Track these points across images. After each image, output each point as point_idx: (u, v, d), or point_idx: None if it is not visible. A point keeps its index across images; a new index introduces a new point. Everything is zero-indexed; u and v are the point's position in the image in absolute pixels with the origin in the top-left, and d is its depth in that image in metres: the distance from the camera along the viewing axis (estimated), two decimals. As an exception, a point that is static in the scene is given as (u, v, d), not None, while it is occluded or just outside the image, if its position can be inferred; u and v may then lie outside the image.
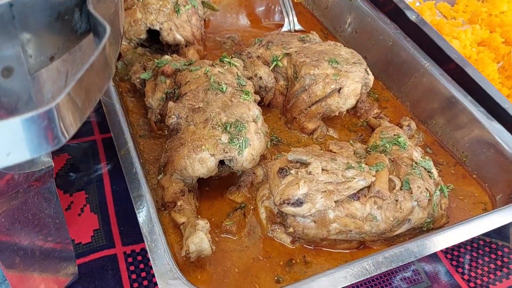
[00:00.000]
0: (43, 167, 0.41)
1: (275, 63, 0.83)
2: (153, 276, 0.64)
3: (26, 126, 0.29)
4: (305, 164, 0.64)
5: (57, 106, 0.29)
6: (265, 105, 0.86)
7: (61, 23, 0.36)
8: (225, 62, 0.80)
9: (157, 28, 0.86)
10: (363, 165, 0.65)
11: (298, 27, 1.11)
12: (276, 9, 1.20)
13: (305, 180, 0.61)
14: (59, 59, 0.37)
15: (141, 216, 0.57)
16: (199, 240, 0.58)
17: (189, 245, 0.58)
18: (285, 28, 1.10)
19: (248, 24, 1.16)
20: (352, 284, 0.65)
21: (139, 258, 0.66)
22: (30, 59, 0.34)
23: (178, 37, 0.87)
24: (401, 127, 0.85)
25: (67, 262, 0.56)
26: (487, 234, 0.77)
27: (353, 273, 0.55)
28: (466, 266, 0.73)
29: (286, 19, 1.10)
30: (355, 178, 0.63)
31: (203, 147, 0.63)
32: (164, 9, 0.85)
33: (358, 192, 0.64)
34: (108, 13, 0.41)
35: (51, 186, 0.44)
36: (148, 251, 0.54)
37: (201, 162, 0.64)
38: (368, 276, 0.56)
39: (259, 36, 1.09)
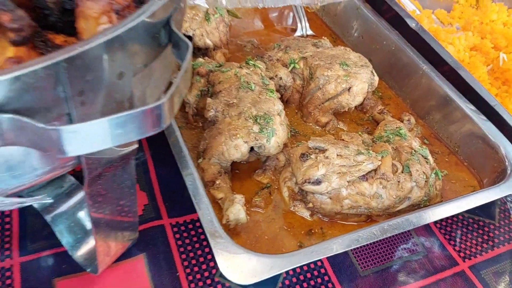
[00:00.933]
0: (131, 148, 0.54)
1: (293, 65, 0.96)
2: (195, 242, 0.77)
3: (143, 115, 0.41)
4: (322, 150, 0.77)
5: (163, 103, 0.42)
6: (283, 102, 0.99)
7: (152, 39, 0.49)
8: (250, 64, 0.93)
9: (191, 34, 0.98)
10: (371, 151, 0.78)
11: (309, 32, 1.23)
12: (289, 15, 1.33)
13: (323, 163, 0.74)
14: (148, 67, 0.50)
15: (192, 190, 0.70)
16: (237, 210, 0.71)
17: (228, 215, 0.71)
18: (298, 33, 1.23)
19: (262, 28, 1.29)
20: (362, 246, 0.78)
21: (182, 228, 0.79)
22: (133, 66, 0.47)
23: (208, 42, 1.00)
24: (402, 121, 0.98)
25: (132, 228, 0.69)
26: (475, 213, 0.90)
27: (364, 236, 0.68)
28: (457, 240, 0.86)
29: (299, 25, 1.23)
30: (364, 162, 0.76)
31: (237, 135, 0.76)
32: (197, 18, 0.98)
33: (366, 174, 0.77)
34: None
35: (132, 163, 0.57)
36: (200, 217, 0.67)
37: (236, 148, 0.77)
38: (375, 240, 0.69)
39: (273, 39, 1.23)
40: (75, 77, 0.41)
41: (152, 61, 0.51)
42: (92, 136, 0.40)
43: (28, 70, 0.37)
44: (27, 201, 0.47)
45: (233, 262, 0.62)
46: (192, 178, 0.71)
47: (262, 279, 0.62)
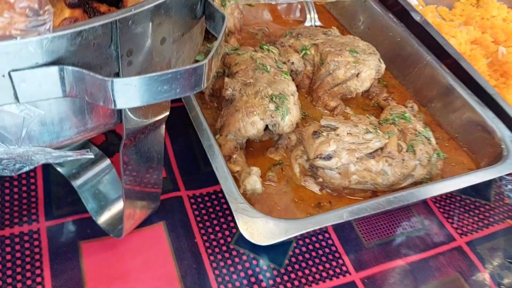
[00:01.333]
0: (164, 114, 0.58)
1: (304, 51, 1.01)
2: (211, 213, 0.82)
3: (187, 74, 0.46)
4: (333, 129, 0.82)
5: (205, 63, 0.47)
6: (294, 86, 1.03)
7: (190, 10, 0.53)
8: (264, 49, 0.98)
9: (207, 19, 1.03)
10: (379, 131, 0.83)
11: (318, 23, 1.28)
12: (297, 7, 1.38)
13: (334, 140, 0.79)
14: (184, 36, 0.55)
15: (214, 160, 0.74)
16: (254, 181, 0.76)
17: (246, 185, 0.76)
18: (307, 23, 1.28)
19: (271, 19, 1.34)
20: (366, 220, 0.83)
21: (199, 200, 0.84)
22: (173, 33, 0.51)
23: (224, 26, 1.04)
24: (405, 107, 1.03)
25: (155, 197, 0.73)
26: (472, 195, 0.95)
27: (372, 206, 0.73)
28: (455, 218, 0.91)
29: (308, 16, 1.28)
30: (372, 140, 0.81)
31: (254, 112, 0.81)
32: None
33: (374, 151, 0.82)
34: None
35: (162, 129, 0.62)
36: (221, 184, 0.72)
37: (252, 125, 0.81)
38: (382, 210, 0.74)
39: (283, 28, 1.27)
40: (127, 38, 0.45)
41: (189, 31, 0.55)
42: (141, 90, 0.45)
43: (89, 26, 0.41)
44: (73, 155, 0.51)
45: (252, 225, 0.67)
46: (213, 150, 0.76)
47: (278, 241, 0.67)
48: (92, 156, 0.56)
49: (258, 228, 0.67)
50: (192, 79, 0.47)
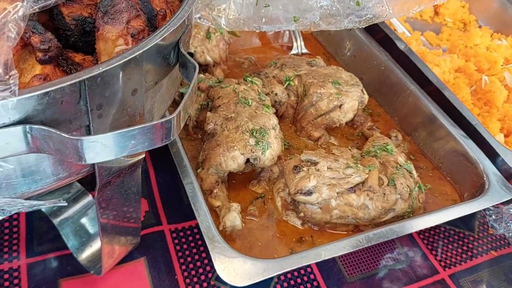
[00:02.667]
0: (139, 157, 0.59)
1: (288, 82, 1.02)
2: (192, 247, 0.82)
3: (155, 128, 0.47)
4: (314, 163, 0.82)
5: (174, 117, 0.47)
6: (278, 116, 1.04)
7: (163, 60, 0.54)
8: (247, 81, 0.99)
9: (192, 51, 1.04)
10: (359, 165, 0.83)
11: (304, 50, 1.30)
12: (285, 33, 1.39)
13: (314, 175, 0.80)
14: (158, 83, 0.55)
15: (192, 197, 0.75)
16: (233, 217, 0.76)
17: (225, 222, 0.76)
18: (293, 51, 1.29)
19: (259, 45, 1.35)
20: (349, 254, 0.83)
21: (181, 234, 0.84)
22: (145, 83, 0.52)
23: (208, 58, 1.05)
24: (389, 138, 1.03)
25: (135, 233, 0.73)
26: (456, 225, 0.95)
27: (351, 244, 0.73)
28: (439, 250, 0.91)
29: (294, 44, 1.29)
30: (352, 175, 0.81)
31: (235, 147, 0.82)
32: (198, 36, 1.04)
33: (354, 186, 0.82)
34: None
35: (139, 171, 0.62)
36: (199, 223, 0.72)
37: (233, 159, 0.82)
38: (361, 247, 0.75)
39: (270, 56, 1.29)
40: (95, 93, 0.46)
41: (162, 79, 0.56)
42: (109, 146, 0.45)
43: (57, 87, 0.42)
44: (45, 204, 0.52)
45: (229, 265, 0.67)
46: (192, 187, 0.76)
47: (256, 281, 0.67)
48: (65, 204, 0.56)
49: (235, 269, 0.67)
50: (160, 132, 0.48)
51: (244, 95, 0.90)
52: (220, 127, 0.85)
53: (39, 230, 0.81)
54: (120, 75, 0.47)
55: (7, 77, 0.38)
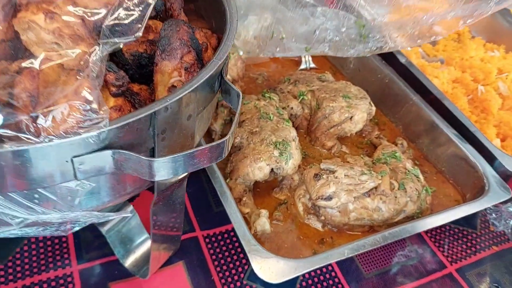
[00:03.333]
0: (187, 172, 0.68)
1: (302, 97, 1.11)
2: (224, 251, 0.91)
3: (212, 149, 0.55)
4: (332, 171, 0.91)
5: (227, 139, 0.56)
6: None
7: (209, 88, 0.63)
8: (266, 97, 1.08)
9: (212, 70, 1.13)
10: (372, 172, 0.92)
11: (312, 65, 1.39)
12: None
13: (333, 182, 0.89)
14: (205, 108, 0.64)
15: (226, 205, 0.83)
16: (263, 222, 0.85)
17: (256, 226, 0.85)
18: (302, 65, 1.38)
19: (268, 60, 1.44)
20: (365, 252, 0.91)
21: (213, 239, 0.92)
22: (197, 109, 0.61)
23: (228, 77, 1.14)
24: (396, 145, 1.13)
25: (176, 240, 0.82)
26: (460, 224, 1.04)
27: (369, 242, 0.82)
28: (446, 247, 1.00)
29: (303, 59, 1.39)
30: (367, 181, 0.90)
31: (261, 158, 0.90)
32: (218, 56, 1.12)
33: (369, 191, 0.91)
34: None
35: (184, 184, 0.71)
36: (235, 228, 0.81)
37: (259, 170, 0.91)
38: (378, 245, 0.83)
39: (280, 70, 1.38)
40: (162, 121, 0.55)
41: (208, 104, 0.65)
42: (175, 166, 0.54)
43: (136, 118, 0.51)
44: (115, 215, 0.60)
45: (265, 264, 0.76)
46: (226, 196, 0.85)
47: (288, 278, 0.76)
48: (130, 215, 0.65)
49: (270, 267, 0.76)
50: (216, 152, 0.57)
51: (265, 111, 0.99)
52: (246, 140, 0.94)
53: (85, 240, 0.89)
54: (182, 104, 0.56)
55: (102, 112, 0.47)
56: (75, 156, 0.49)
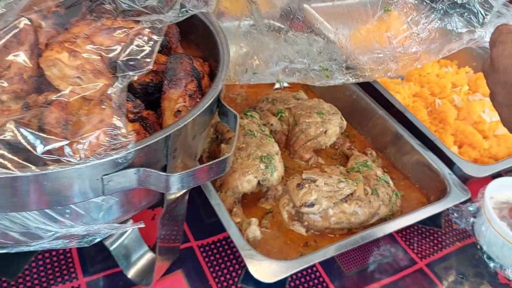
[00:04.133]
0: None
1: (280, 114, 1.22)
2: (218, 258, 0.99)
3: (218, 164, 0.65)
4: (313, 181, 1.01)
5: (230, 156, 0.65)
6: (273, 143, 1.23)
7: (210, 111, 0.72)
8: (248, 115, 1.18)
9: (197, 92, 1.22)
10: (348, 179, 1.04)
11: (286, 84, 1.50)
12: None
13: (315, 190, 0.99)
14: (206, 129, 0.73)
15: (221, 215, 0.92)
16: (254, 230, 0.94)
17: (248, 234, 0.94)
18: (276, 85, 1.48)
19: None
20: (346, 253, 1.02)
21: (207, 248, 1.00)
22: (200, 130, 0.70)
23: (211, 98, 1.23)
24: (366, 155, 1.25)
25: (176, 250, 0.90)
26: (427, 224, 1.16)
27: (350, 242, 0.93)
28: (415, 245, 1.11)
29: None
30: (344, 188, 1.01)
31: (249, 172, 1.00)
32: (201, 79, 1.22)
33: (346, 197, 1.02)
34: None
35: (186, 197, 0.79)
36: (230, 235, 0.89)
37: (248, 182, 1.00)
38: (357, 245, 0.94)
39: (256, 90, 1.48)
40: (174, 141, 0.63)
41: (208, 125, 0.74)
42: (188, 179, 0.63)
43: (155, 140, 0.59)
44: (130, 227, 0.67)
45: (260, 267, 0.85)
46: (219, 206, 0.94)
47: (281, 278, 0.85)
48: (144, 225, 0.72)
49: (264, 269, 0.85)
50: (221, 167, 0.66)
51: (249, 128, 1.09)
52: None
53: (88, 254, 0.95)
54: (190, 127, 0.65)
55: (129, 136, 0.56)
56: (104, 175, 0.57)
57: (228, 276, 0.96)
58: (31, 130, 0.53)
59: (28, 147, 0.53)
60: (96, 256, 0.95)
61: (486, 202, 1.10)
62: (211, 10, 0.80)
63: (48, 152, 0.53)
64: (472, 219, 1.16)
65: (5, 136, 0.53)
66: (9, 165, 0.51)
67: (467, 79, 1.49)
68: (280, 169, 1.04)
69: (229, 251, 1.00)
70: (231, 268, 0.97)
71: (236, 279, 0.96)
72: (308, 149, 1.20)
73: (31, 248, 0.64)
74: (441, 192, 1.14)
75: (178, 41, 0.81)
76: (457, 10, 0.93)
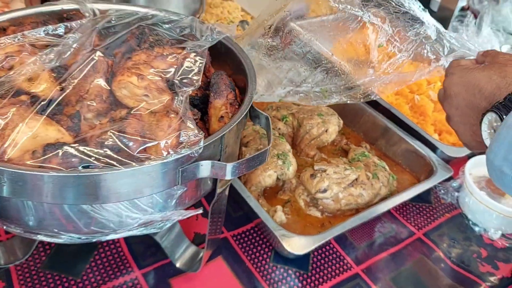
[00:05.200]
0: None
1: (285, 119, 1.40)
2: (249, 244, 1.15)
3: (261, 154, 0.81)
4: (324, 170, 1.19)
5: (269, 148, 0.83)
6: (280, 145, 1.41)
7: (246, 115, 0.89)
8: (258, 122, 1.35)
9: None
10: (352, 167, 1.22)
11: (282, 93, 1.69)
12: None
13: (326, 178, 1.17)
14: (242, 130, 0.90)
15: (253, 204, 1.09)
16: (280, 215, 1.11)
17: (275, 219, 1.11)
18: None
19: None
20: (356, 228, 1.19)
21: (239, 237, 1.17)
22: (240, 131, 0.87)
23: (223, 110, 1.40)
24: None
25: (218, 240, 1.06)
26: (419, 201, 1.35)
27: (359, 219, 1.11)
28: (412, 219, 1.30)
29: (274, 89, 1.68)
30: (350, 174, 1.19)
31: (269, 168, 1.17)
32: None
33: (352, 182, 1.20)
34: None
35: (228, 186, 0.95)
36: (264, 220, 1.06)
37: (269, 177, 1.17)
38: (366, 220, 1.12)
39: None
40: (226, 138, 0.80)
41: (244, 127, 0.91)
42: (240, 168, 0.79)
43: (217, 137, 0.76)
44: (193, 212, 0.83)
45: (291, 242, 1.02)
46: (250, 198, 1.10)
47: (309, 250, 1.02)
48: (202, 212, 0.87)
49: (295, 243, 1.02)
50: (263, 157, 0.83)
51: (263, 132, 1.26)
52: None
53: (138, 251, 1.10)
54: (235, 128, 0.82)
55: (200, 134, 0.72)
56: (181, 167, 0.73)
57: (260, 258, 1.12)
58: (127, 136, 0.69)
59: (125, 148, 0.69)
60: (145, 252, 1.10)
61: (466, 177, 1.30)
62: (233, 34, 0.98)
63: (142, 151, 0.70)
64: (456, 194, 1.36)
65: (108, 142, 0.69)
66: (114, 162, 0.67)
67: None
68: (294, 164, 1.22)
69: (257, 238, 1.16)
70: (262, 251, 1.14)
71: (268, 260, 1.12)
72: (313, 147, 1.38)
73: (118, 236, 0.79)
74: (429, 172, 1.34)
75: (210, 62, 0.98)
76: (430, 41, 1.13)
